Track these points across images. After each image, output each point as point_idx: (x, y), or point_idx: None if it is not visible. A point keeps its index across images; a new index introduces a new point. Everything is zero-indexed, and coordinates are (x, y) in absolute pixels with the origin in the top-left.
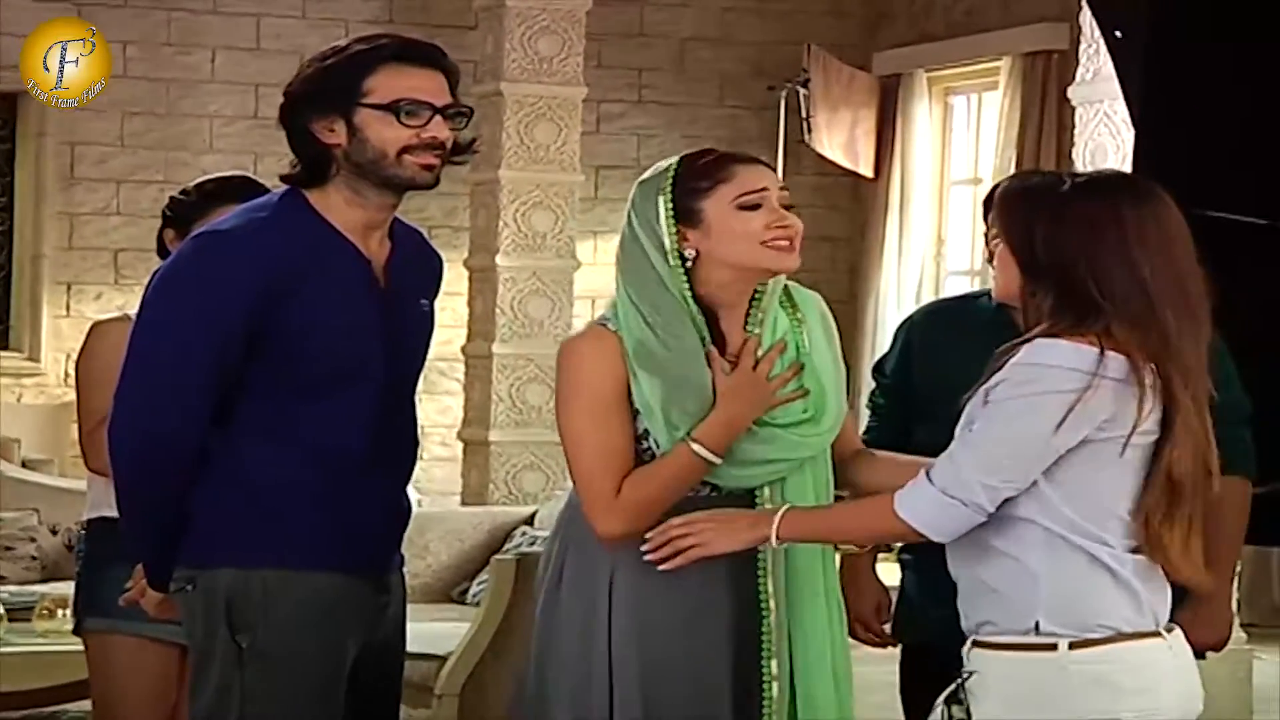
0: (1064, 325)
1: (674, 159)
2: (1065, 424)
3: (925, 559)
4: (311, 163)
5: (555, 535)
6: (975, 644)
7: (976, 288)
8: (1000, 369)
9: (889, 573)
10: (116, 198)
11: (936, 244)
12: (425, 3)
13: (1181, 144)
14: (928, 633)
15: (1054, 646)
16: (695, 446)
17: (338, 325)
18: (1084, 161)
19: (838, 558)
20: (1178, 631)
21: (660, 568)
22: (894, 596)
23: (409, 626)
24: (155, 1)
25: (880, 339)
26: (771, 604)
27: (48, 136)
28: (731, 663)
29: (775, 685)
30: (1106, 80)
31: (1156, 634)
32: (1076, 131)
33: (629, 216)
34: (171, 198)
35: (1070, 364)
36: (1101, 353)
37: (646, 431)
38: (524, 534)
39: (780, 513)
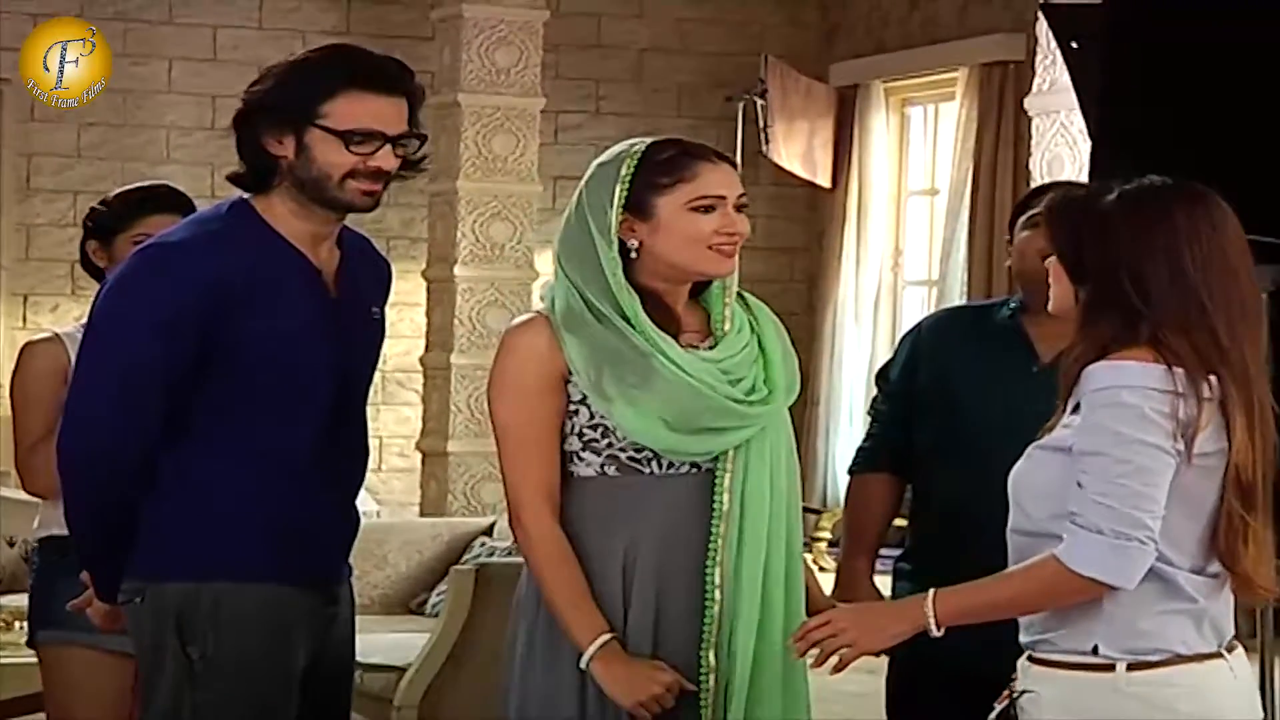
0: (1109, 338)
1: (638, 144)
2: (1174, 438)
3: (920, 568)
4: (256, 170)
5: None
6: (1031, 659)
7: (936, 298)
8: (1069, 404)
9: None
10: (74, 209)
11: (894, 254)
12: (382, 13)
13: (1138, 155)
14: (919, 646)
15: (1111, 668)
16: (588, 660)
17: (288, 336)
18: (1041, 172)
19: (833, 568)
20: (1239, 650)
21: (816, 669)
22: None
23: (367, 638)
24: (111, 12)
25: (838, 349)
26: (718, 594)
27: (3, 148)
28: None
29: (712, 678)
30: (1063, 91)
31: (1218, 655)
32: (1033, 142)
33: (579, 195)
34: (92, 208)
35: (1144, 383)
36: (1169, 369)
37: (600, 415)
38: (483, 544)
39: (930, 600)
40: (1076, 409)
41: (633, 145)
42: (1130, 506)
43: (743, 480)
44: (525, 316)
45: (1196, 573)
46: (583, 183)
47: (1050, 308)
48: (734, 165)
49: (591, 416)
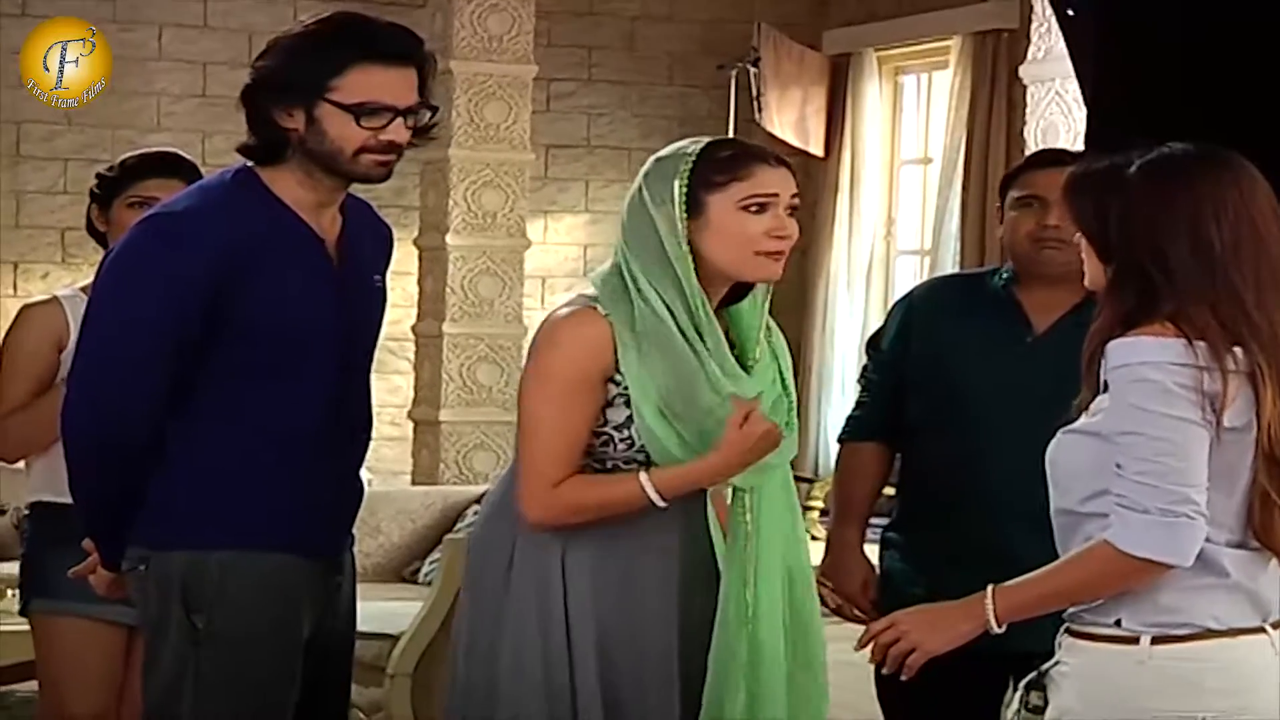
0: (1127, 310)
1: (699, 142)
2: (1203, 410)
3: (909, 538)
4: (267, 143)
5: (495, 520)
6: (1067, 631)
7: (929, 267)
8: (1097, 383)
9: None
10: (64, 176)
11: (887, 223)
12: None
13: (1134, 123)
14: None
15: (1136, 640)
16: (645, 484)
17: (293, 305)
18: (1036, 141)
19: (824, 535)
20: None
21: (885, 671)
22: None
23: (360, 606)
24: None
25: (830, 318)
26: (749, 528)
27: None
28: (679, 625)
29: (749, 590)
30: (1058, 59)
31: (1259, 630)
32: (1028, 110)
33: (640, 189)
34: (98, 174)
35: (1163, 357)
36: (1189, 342)
37: (629, 420)
38: (475, 513)
39: (989, 596)
40: (1107, 388)
41: (693, 142)
42: (1173, 483)
43: (759, 494)
44: (574, 308)
45: (1238, 547)
46: (641, 177)
47: (1086, 284)
48: (791, 169)
49: (605, 422)
